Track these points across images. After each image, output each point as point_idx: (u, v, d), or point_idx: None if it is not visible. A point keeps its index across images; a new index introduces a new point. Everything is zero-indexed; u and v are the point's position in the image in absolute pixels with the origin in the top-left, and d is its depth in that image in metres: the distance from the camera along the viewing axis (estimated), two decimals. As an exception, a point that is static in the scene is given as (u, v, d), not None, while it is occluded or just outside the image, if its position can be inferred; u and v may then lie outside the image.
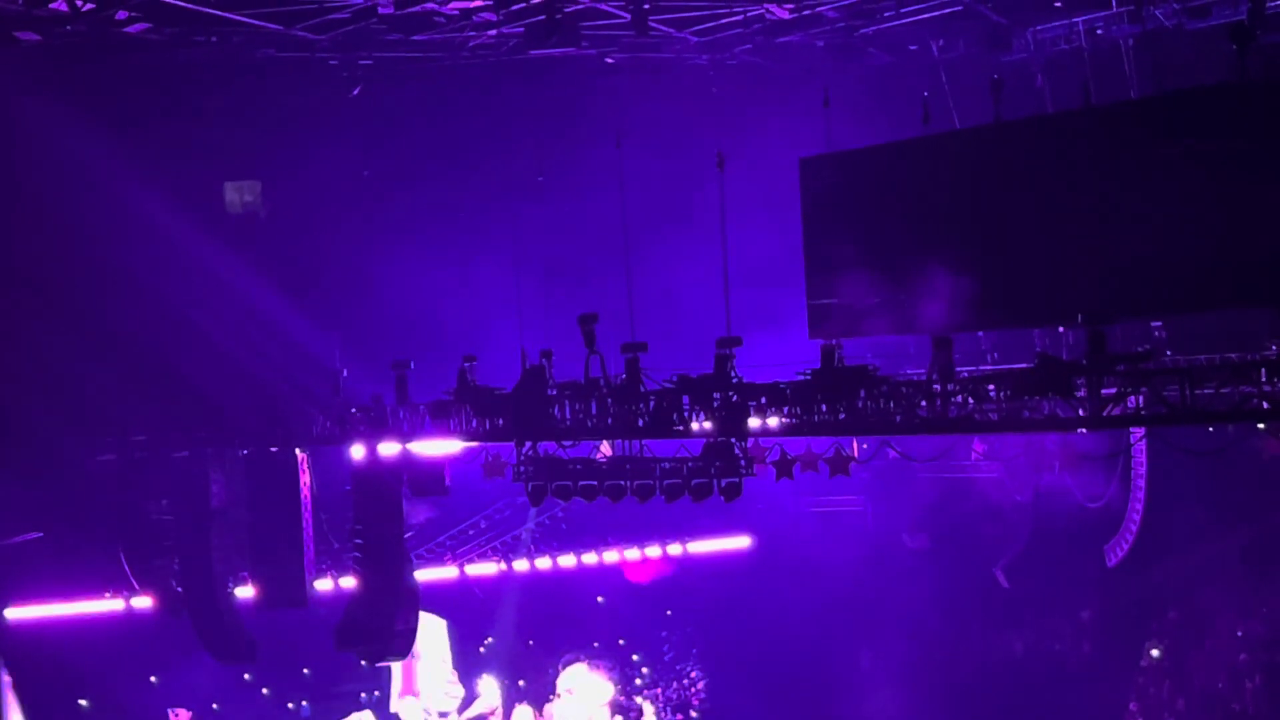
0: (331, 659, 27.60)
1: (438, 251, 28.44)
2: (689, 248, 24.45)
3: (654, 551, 32.81)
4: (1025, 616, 33.56)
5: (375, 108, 27.58)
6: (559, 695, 26.99)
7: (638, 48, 26.05)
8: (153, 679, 28.08)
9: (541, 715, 27.18)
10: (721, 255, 21.57)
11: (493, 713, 28.21)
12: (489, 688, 28.17)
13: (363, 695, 29.10)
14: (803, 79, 26.75)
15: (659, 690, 31.68)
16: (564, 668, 26.99)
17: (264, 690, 28.73)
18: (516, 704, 27.65)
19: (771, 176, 22.84)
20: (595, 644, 31.31)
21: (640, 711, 27.99)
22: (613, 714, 26.20)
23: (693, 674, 33.76)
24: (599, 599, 32.44)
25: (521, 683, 28.87)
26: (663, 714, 31.10)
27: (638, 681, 30.97)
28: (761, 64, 27.26)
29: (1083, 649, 33.20)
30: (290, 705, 29.16)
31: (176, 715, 27.70)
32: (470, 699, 28.18)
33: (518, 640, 30.75)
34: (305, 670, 29.64)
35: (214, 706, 28.37)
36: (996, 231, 18.99)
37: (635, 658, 29.80)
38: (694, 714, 32.69)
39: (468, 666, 28.93)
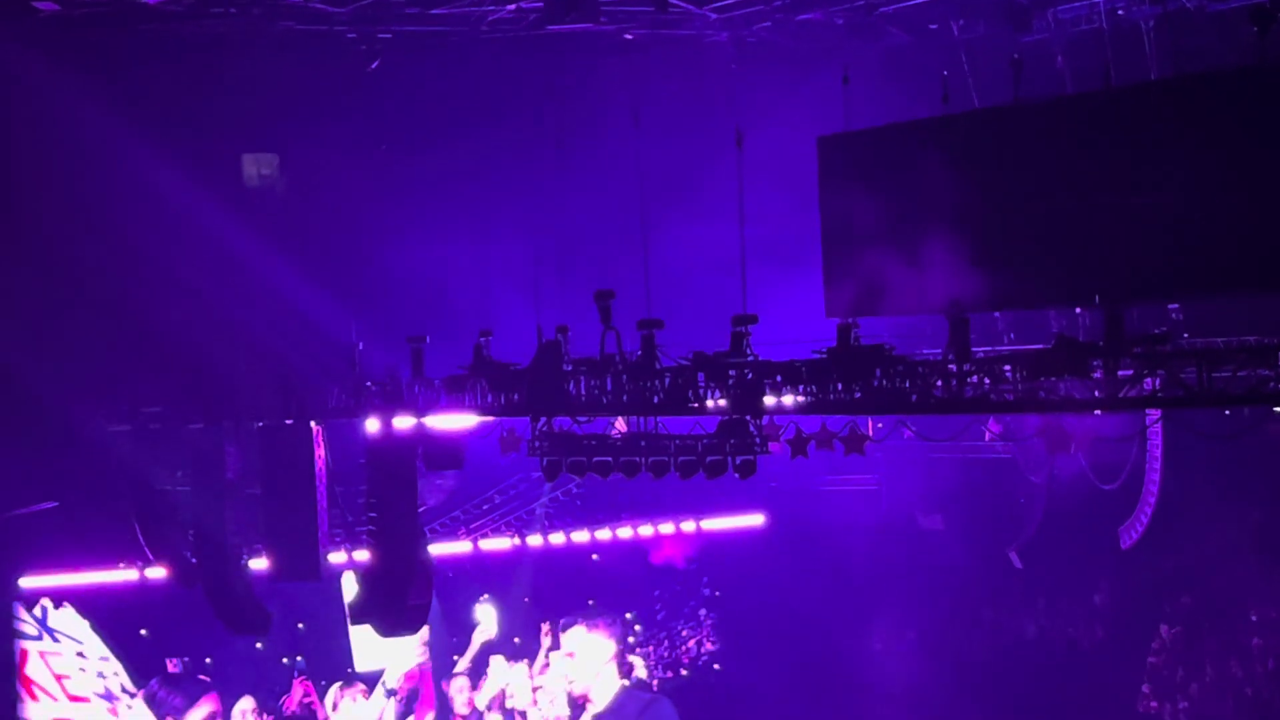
0: (323, 615, 27.78)
1: (454, 226, 28.46)
2: (706, 225, 24.46)
3: (668, 529, 32.80)
4: (1038, 598, 33.57)
5: (393, 82, 27.57)
6: (560, 656, 26.97)
7: (657, 24, 26.02)
8: (143, 631, 28.12)
9: (534, 673, 27.22)
10: (739, 233, 21.56)
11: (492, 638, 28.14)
12: (487, 614, 28.19)
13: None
14: (822, 57, 26.72)
15: (650, 648, 31.77)
16: (563, 631, 26.97)
17: (258, 645, 28.83)
18: (512, 661, 27.64)
19: (790, 155, 22.80)
20: (591, 602, 31.35)
21: (631, 667, 28.00)
22: (621, 673, 26.23)
23: (684, 632, 33.87)
24: (594, 556, 32.51)
25: (516, 640, 28.92)
26: (654, 671, 31.17)
27: (630, 639, 31.01)
28: (781, 41, 27.22)
29: (1095, 631, 33.20)
30: (285, 660, 29.26)
31: (175, 666, 27.76)
32: (466, 637, 28.24)
33: (515, 600, 30.82)
34: (300, 625, 29.79)
35: (207, 661, 28.45)
36: (1015, 212, 18.95)
37: (629, 615, 29.91)
38: (684, 671, 32.78)
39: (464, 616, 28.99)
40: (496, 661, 27.68)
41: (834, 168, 20.73)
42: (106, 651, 24.42)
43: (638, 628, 31.99)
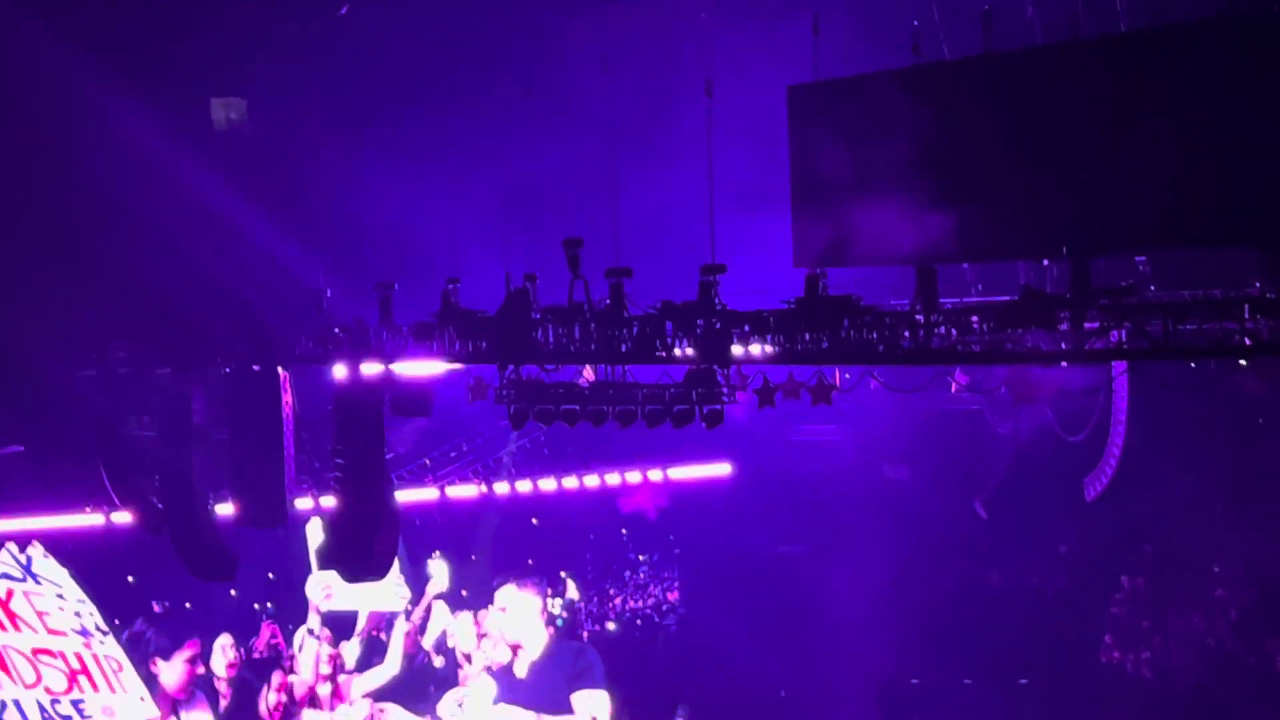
0: (294, 564, 27.86)
1: (422, 173, 28.36)
2: (675, 174, 24.41)
3: (634, 477, 32.90)
4: (1003, 548, 33.71)
5: (362, 27, 27.45)
6: (494, 611, 27.51)
7: (627, -29, 25.96)
8: (130, 579, 28.24)
9: (479, 624, 27.67)
10: (707, 183, 21.54)
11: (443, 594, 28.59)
12: (439, 570, 28.48)
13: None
14: (792, 7, 26.63)
15: (581, 604, 31.97)
16: (498, 588, 27.41)
17: (232, 592, 28.97)
18: (458, 611, 28.03)
19: (759, 104, 22.76)
20: (530, 561, 31.63)
21: (553, 618, 28.39)
22: (547, 624, 26.68)
23: (610, 590, 34.06)
24: (533, 520, 32.76)
25: (464, 593, 29.23)
26: (585, 625, 31.45)
27: (569, 597, 31.30)
28: (751, -10, 27.15)
29: (1059, 581, 33.37)
30: (256, 606, 29.44)
31: (159, 608, 27.87)
32: (422, 587, 28.49)
33: (463, 555, 31.05)
34: (270, 575, 29.94)
35: (186, 605, 28.55)
36: (984, 163, 18.97)
37: (563, 574, 30.15)
38: (611, 625, 32.98)
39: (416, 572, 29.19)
40: (439, 606, 28.17)
41: (803, 117, 20.70)
42: (83, 595, 24.62)
43: (571, 584, 32.26)
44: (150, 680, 24.84)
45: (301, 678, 26.59)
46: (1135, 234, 18.63)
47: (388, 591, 26.85)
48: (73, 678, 23.86)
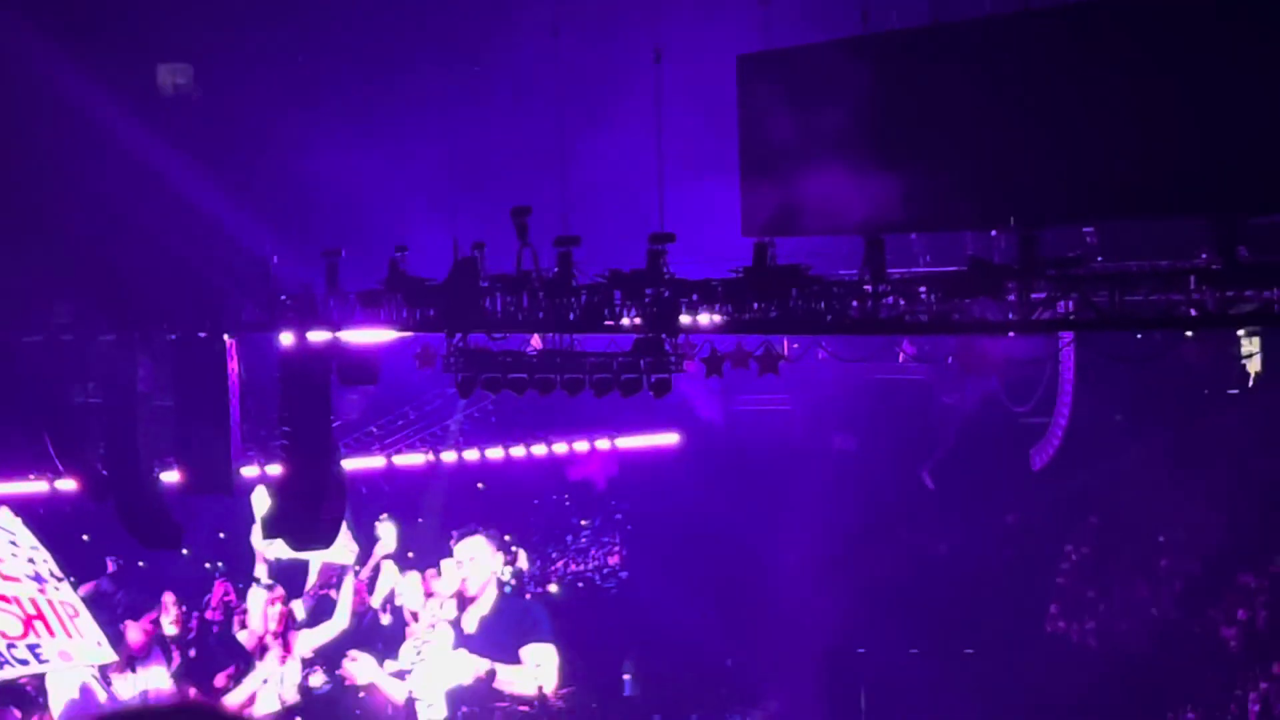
0: (243, 524, 27.90)
1: (370, 141, 28.24)
2: (624, 142, 24.35)
3: (583, 447, 32.92)
4: (949, 518, 33.80)
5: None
6: (453, 562, 27.91)
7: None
8: (84, 537, 28.22)
9: (427, 580, 28.07)
10: (656, 151, 21.51)
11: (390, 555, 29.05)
12: (387, 531, 28.78)
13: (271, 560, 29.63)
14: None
15: (524, 569, 32.18)
16: (459, 540, 27.83)
17: (184, 550, 28.98)
18: (406, 571, 28.38)
19: (708, 73, 22.72)
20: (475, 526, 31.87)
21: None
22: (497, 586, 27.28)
23: (553, 554, 34.20)
24: (479, 485, 32.87)
25: (410, 554, 29.43)
26: (528, 588, 31.65)
27: (519, 566, 31.59)
28: (701, -42, 27.08)
29: (1006, 551, 33.50)
30: (207, 565, 29.52)
31: (114, 565, 27.92)
32: (370, 548, 28.77)
33: (410, 517, 31.19)
34: (220, 534, 30.00)
35: (140, 564, 28.52)
36: (932, 133, 19.00)
37: (507, 538, 30.36)
38: (553, 587, 33.13)
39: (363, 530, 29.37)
40: (388, 565, 28.44)
41: (753, 87, 20.69)
42: (36, 543, 24.73)
43: (515, 548, 32.43)
44: (118, 638, 25.01)
45: (252, 628, 26.80)
46: (1083, 205, 18.69)
47: (338, 544, 27.01)
48: (28, 623, 23.97)
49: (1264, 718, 28.69)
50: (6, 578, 24.22)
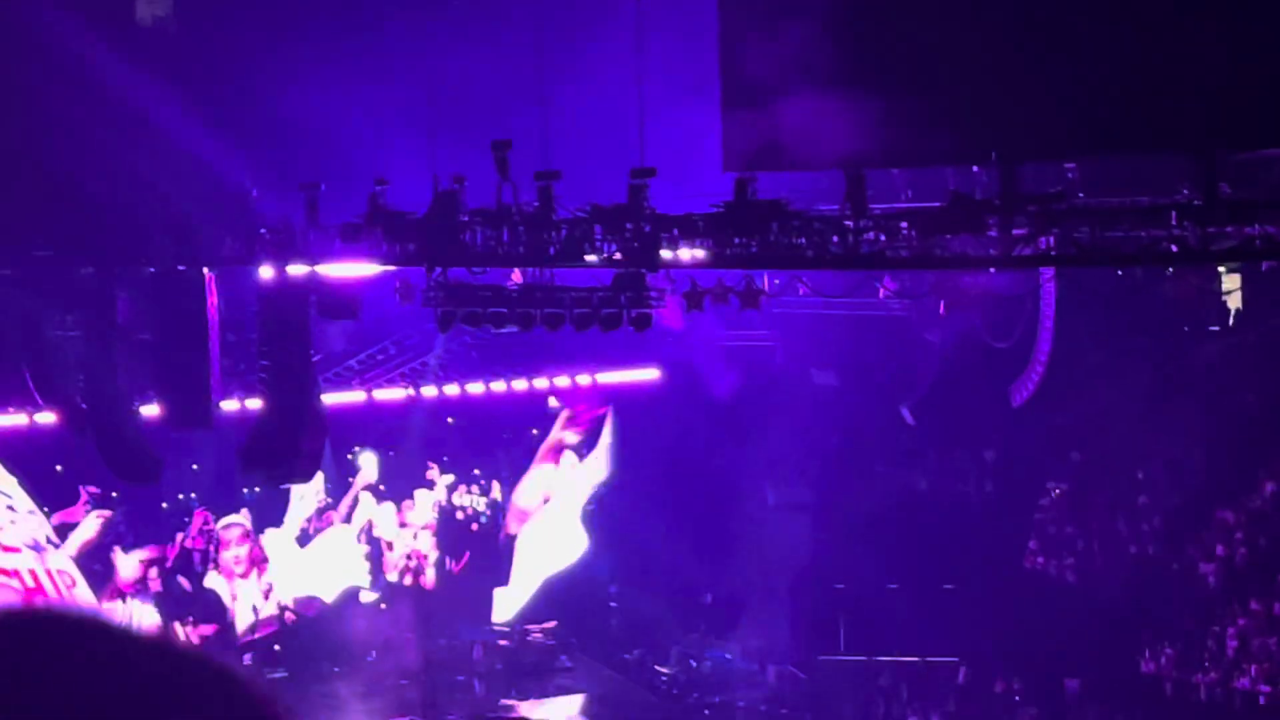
0: (220, 458, 27.98)
1: (350, 74, 28.05)
2: (604, 76, 24.24)
3: (563, 382, 32.91)
4: (929, 454, 33.89)
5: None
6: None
7: None
8: (58, 467, 28.25)
9: (401, 511, 28.69)
10: (636, 88, 21.43)
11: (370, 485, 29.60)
12: (368, 461, 29.09)
13: (244, 490, 29.79)
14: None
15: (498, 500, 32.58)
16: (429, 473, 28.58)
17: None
18: (380, 502, 28.75)
19: (689, 5, 22.61)
20: (445, 458, 32.07)
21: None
22: (470, 522, 28.05)
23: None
24: (449, 420, 33.02)
25: (382, 486, 29.66)
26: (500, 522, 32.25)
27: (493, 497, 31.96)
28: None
29: (985, 487, 33.58)
30: (180, 497, 29.65)
31: (86, 494, 27.99)
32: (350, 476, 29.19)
33: (381, 449, 31.43)
34: (194, 466, 30.09)
35: (113, 494, 28.57)
36: (913, 67, 18.92)
37: (476, 471, 30.65)
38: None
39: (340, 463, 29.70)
40: (365, 497, 28.66)
41: (734, 22, 20.59)
42: (33, 505, 24.66)
43: (496, 485, 32.69)
44: (108, 567, 25.17)
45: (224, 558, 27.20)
46: (1064, 140, 18.66)
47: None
48: (28, 597, 23.93)
49: (1241, 653, 28.84)
50: (6, 549, 24.22)
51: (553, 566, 32.55)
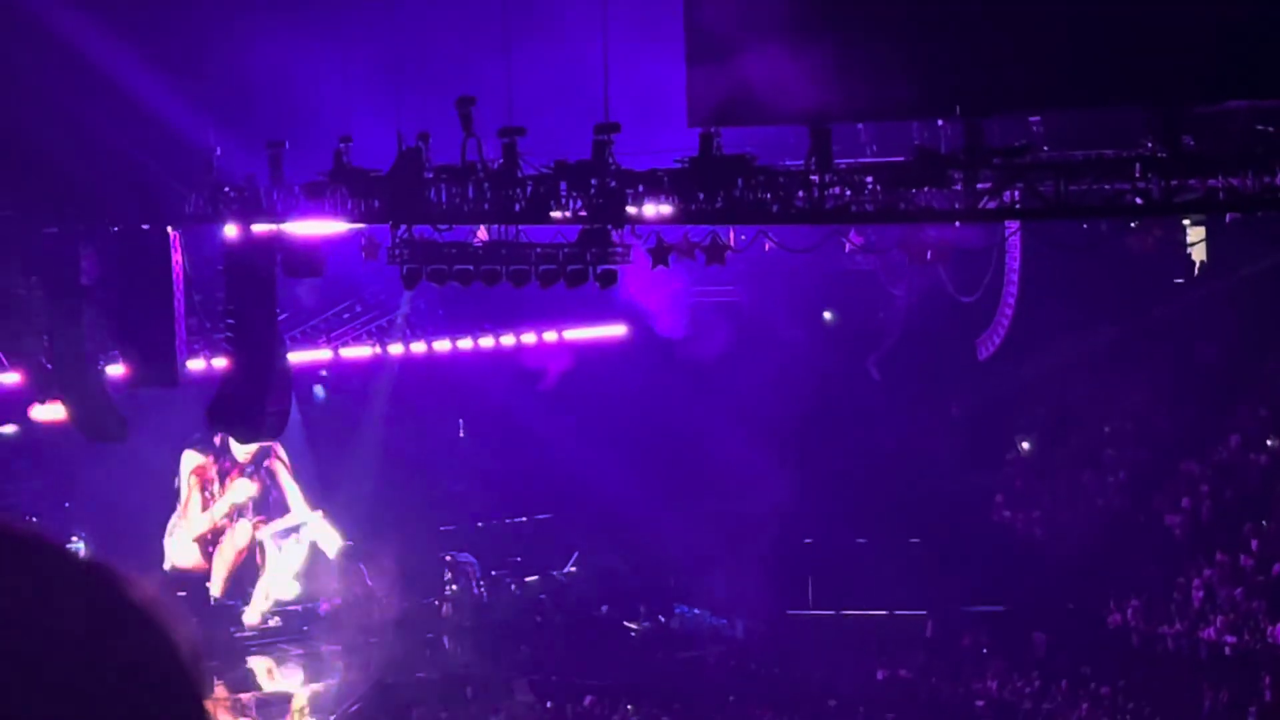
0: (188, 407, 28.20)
1: (313, 30, 27.94)
2: (568, 31, 24.18)
3: (530, 339, 32.92)
4: (897, 409, 33.93)
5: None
6: None
7: None
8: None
9: None
10: (602, 40, 21.35)
11: None
12: None
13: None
14: None
15: None
16: None
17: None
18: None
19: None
20: None
21: None
22: None
23: None
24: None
25: None
26: None
27: None
28: None
29: (952, 441, 33.65)
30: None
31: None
32: None
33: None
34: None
35: None
36: (877, 21, 18.89)
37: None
38: None
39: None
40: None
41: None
42: None
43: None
44: None
45: None
46: (1028, 93, 18.67)
47: None
48: None
49: (1208, 604, 29.00)
50: None
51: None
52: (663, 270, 21.72)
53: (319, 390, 32.69)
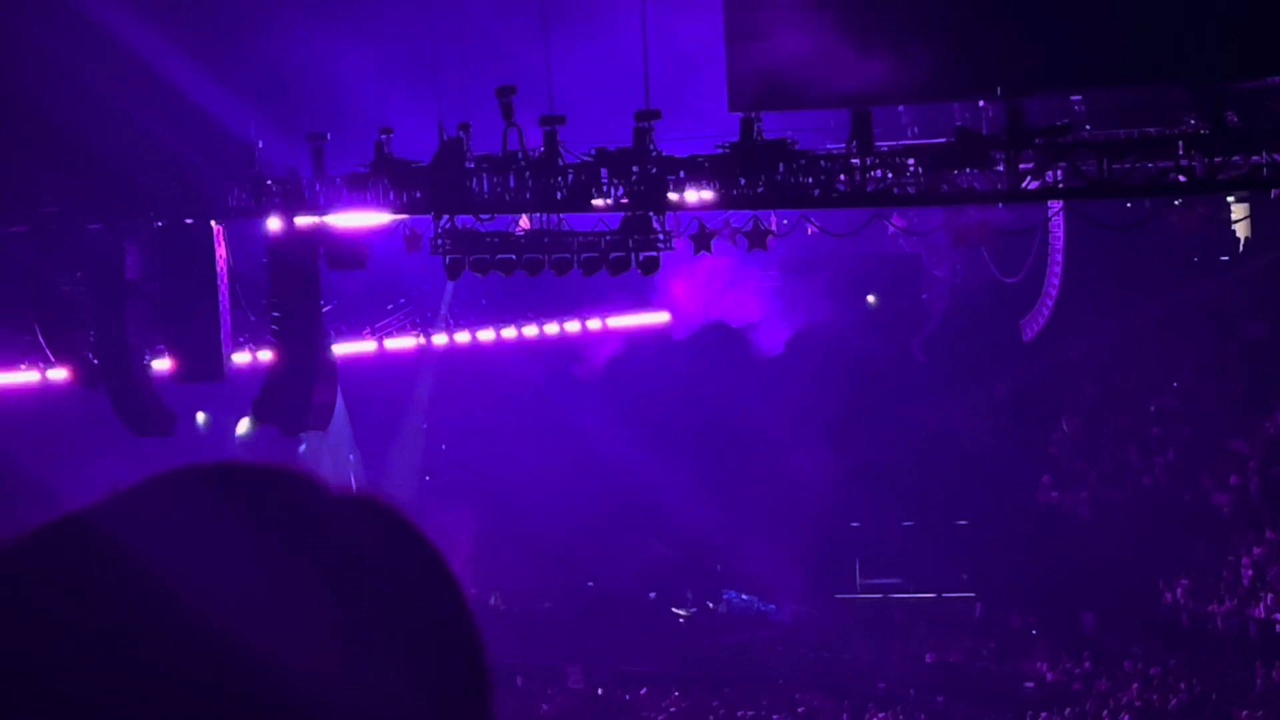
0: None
1: (352, 20, 28.00)
2: (609, 18, 24.16)
3: (574, 327, 32.93)
4: (940, 391, 33.88)
5: None
6: None
7: None
8: None
9: None
10: (640, 27, 21.33)
11: None
12: None
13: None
14: None
15: None
16: None
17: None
18: None
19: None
20: None
21: None
22: None
23: None
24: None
25: None
26: None
27: None
28: None
29: (997, 422, 33.58)
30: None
31: None
32: None
33: None
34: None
35: None
36: (917, 3, 18.83)
37: None
38: None
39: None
40: None
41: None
42: None
43: None
44: None
45: None
46: (1069, 73, 18.59)
47: None
48: None
49: (1257, 582, 28.89)
50: None
51: None
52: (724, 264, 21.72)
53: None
